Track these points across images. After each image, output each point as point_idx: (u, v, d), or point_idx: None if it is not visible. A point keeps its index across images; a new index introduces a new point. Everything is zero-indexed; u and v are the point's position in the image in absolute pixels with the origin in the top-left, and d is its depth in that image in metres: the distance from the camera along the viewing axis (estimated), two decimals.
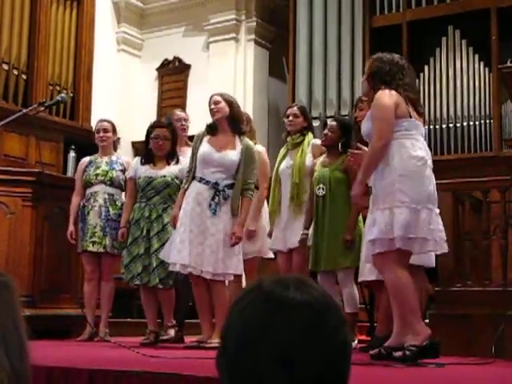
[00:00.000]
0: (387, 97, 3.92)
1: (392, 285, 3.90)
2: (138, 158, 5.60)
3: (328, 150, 5.36)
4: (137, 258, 5.27)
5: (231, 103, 5.06)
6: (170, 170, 5.40)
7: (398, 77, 4.01)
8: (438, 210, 3.94)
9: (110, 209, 5.67)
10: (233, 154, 4.95)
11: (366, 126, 4.08)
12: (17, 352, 0.89)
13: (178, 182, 5.33)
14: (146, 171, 5.41)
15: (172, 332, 5.47)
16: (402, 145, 3.88)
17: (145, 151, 5.54)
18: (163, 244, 5.16)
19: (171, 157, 5.44)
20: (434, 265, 4.65)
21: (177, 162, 5.44)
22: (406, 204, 3.79)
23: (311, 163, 5.38)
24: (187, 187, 4.95)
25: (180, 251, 4.78)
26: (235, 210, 4.89)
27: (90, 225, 5.65)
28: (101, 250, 5.63)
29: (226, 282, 4.96)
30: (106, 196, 5.72)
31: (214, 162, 4.93)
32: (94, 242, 5.63)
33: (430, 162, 3.96)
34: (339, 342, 1.08)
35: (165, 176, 5.36)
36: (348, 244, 5.04)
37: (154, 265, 5.22)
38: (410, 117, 3.95)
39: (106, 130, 5.91)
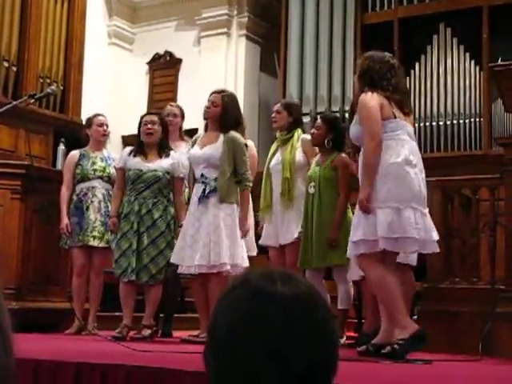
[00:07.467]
0: (370, 98, 3.95)
1: (376, 284, 3.94)
2: (128, 148, 5.49)
3: (318, 148, 5.35)
4: (128, 253, 5.17)
5: (226, 105, 5.07)
6: (161, 165, 5.29)
7: (386, 76, 4.04)
8: (426, 210, 3.94)
9: (109, 205, 5.61)
10: (212, 148, 5.00)
11: (354, 130, 4.10)
12: (0, 345, 0.89)
13: (168, 177, 5.29)
14: (136, 164, 5.29)
15: (147, 332, 5.29)
16: (387, 146, 3.90)
17: (137, 143, 5.44)
18: (153, 240, 5.16)
19: (162, 149, 5.35)
20: (416, 263, 4.67)
21: (167, 156, 5.33)
22: (387, 204, 3.80)
23: (302, 158, 5.37)
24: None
25: (176, 253, 4.98)
26: (223, 197, 4.92)
27: (89, 219, 5.63)
28: (102, 244, 5.62)
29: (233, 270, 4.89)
30: (105, 192, 5.70)
31: (197, 159, 5.05)
32: (94, 237, 5.61)
33: (416, 161, 3.94)
34: (327, 334, 1.08)
35: (155, 170, 5.25)
36: (331, 242, 5.02)
37: (145, 262, 5.17)
38: (395, 117, 3.97)
39: (108, 125, 5.90)
